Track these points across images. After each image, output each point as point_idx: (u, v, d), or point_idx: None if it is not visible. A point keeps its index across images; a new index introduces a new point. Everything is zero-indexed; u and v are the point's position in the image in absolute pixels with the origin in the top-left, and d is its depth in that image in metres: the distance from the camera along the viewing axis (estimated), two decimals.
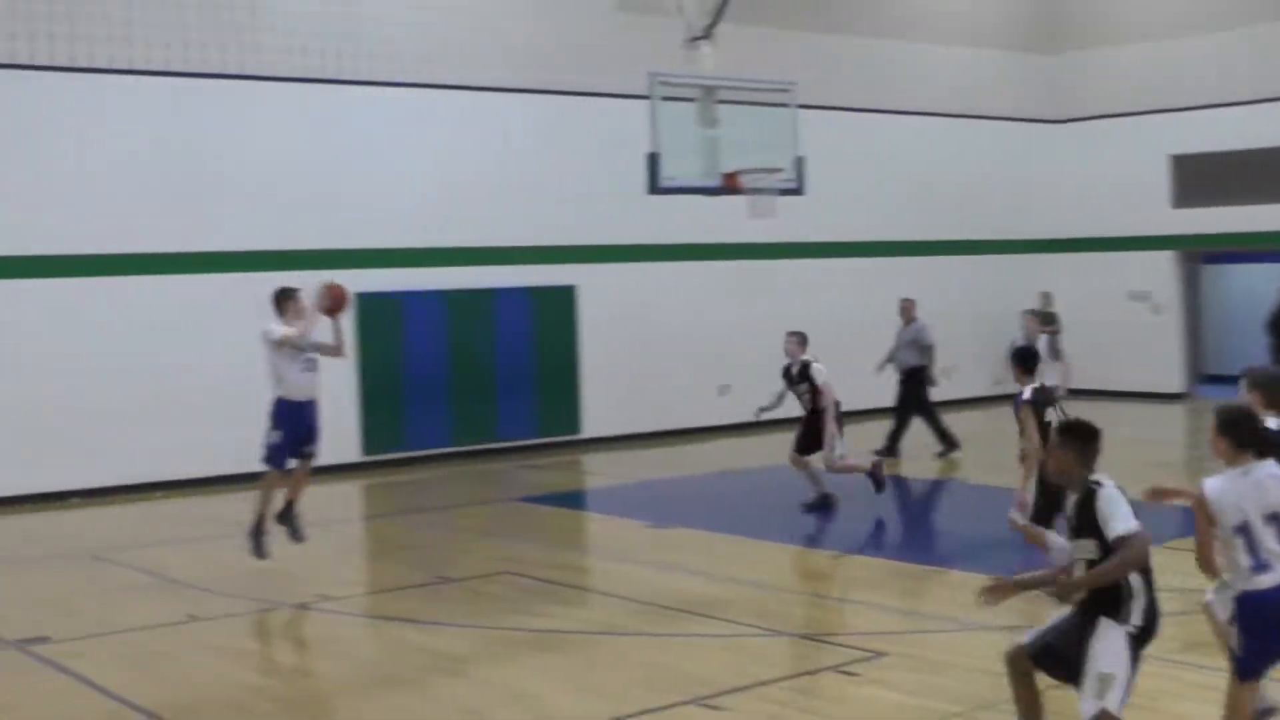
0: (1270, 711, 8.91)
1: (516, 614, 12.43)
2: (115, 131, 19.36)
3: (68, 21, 18.90)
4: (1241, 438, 7.48)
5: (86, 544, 16.15)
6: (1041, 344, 19.18)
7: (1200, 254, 29.75)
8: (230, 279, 20.08)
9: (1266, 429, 7.95)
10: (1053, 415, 12.13)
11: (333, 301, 13.76)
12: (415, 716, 9.59)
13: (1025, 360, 12.83)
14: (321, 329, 13.96)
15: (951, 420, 21.51)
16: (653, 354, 23.63)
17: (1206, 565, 7.64)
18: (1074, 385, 29.04)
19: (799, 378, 16.61)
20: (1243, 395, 8.82)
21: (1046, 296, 28.66)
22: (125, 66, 19.32)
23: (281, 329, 13.77)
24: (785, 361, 16.83)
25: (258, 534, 13.98)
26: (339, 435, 20.75)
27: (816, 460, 16.59)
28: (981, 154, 28.97)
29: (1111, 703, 7.33)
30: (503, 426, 22.65)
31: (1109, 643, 7.37)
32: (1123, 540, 7.34)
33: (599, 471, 21.25)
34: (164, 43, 19.59)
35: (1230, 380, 30.09)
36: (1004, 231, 29.40)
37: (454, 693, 10.07)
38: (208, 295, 19.94)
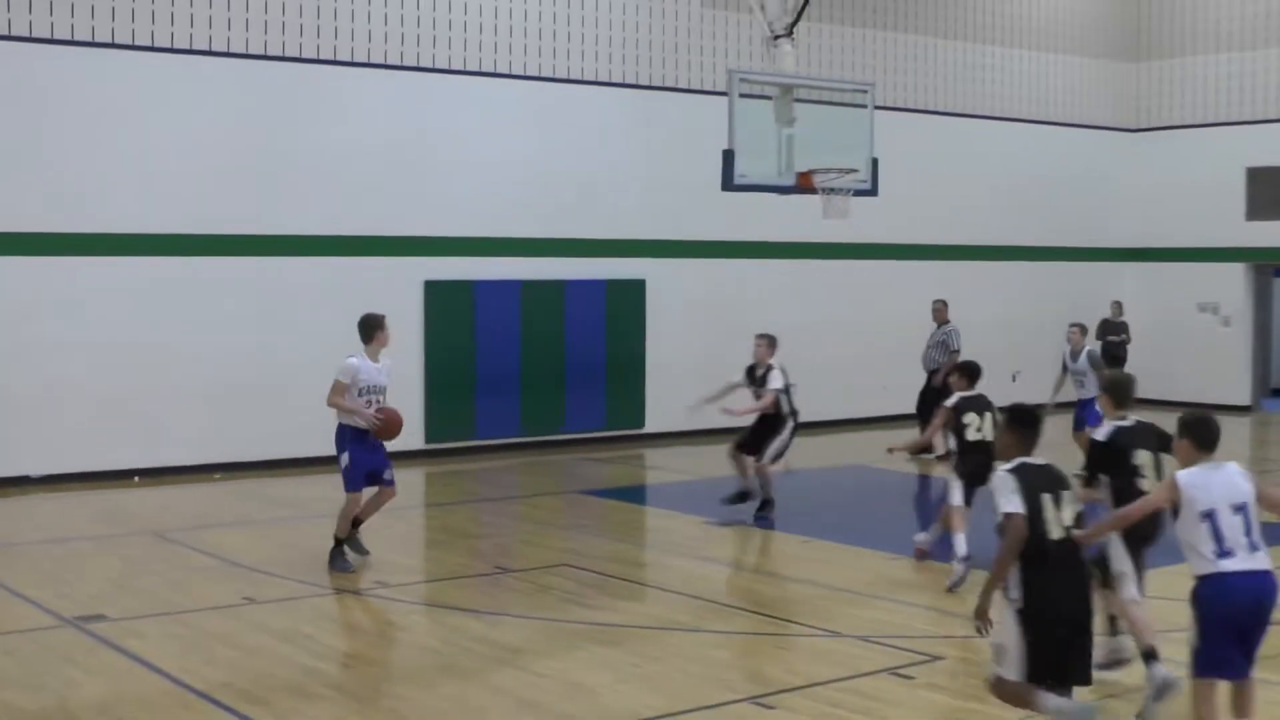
0: (1121, 662, 9.94)
1: (575, 606, 12.43)
2: (192, 114, 19.43)
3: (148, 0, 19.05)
4: (1201, 440, 8.11)
5: (148, 523, 16.26)
6: (1083, 356, 19.06)
7: (1272, 267, 29.47)
8: (303, 263, 20.22)
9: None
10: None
11: (385, 427, 13.71)
12: (472, 706, 9.60)
13: (966, 371, 13.95)
14: (382, 369, 13.86)
15: None
16: (719, 350, 23.52)
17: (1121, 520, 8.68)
18: (1137, 395, 28.85)
19: (760, 381, 16.57)
20: None
21: (1117, 305, 28.44)
22: (204, 48, 19.43)
23: (341, 375, 13.56)
24: (751, 362, 16.74)
25: (336, 553, 13.82)
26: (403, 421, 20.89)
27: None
28: (1057, 160, 28.77)
29: (1004, 670, 8.05)
30: (570, 418, 22.67)
31: (1000, 616, 8.07)
32: (1001, 522, 8.00)
33: (663, 466, 21.24)
34: (242, 23, 19.69)
35: None
36: (1078, 239, 29.21)
37: (511, 684, 10.07)
38: (279, 279, 20.06)
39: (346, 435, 13.70)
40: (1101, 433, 9.98)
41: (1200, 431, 8.13)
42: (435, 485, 19.65)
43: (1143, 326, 28.56)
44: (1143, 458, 9.73)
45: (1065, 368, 19.36)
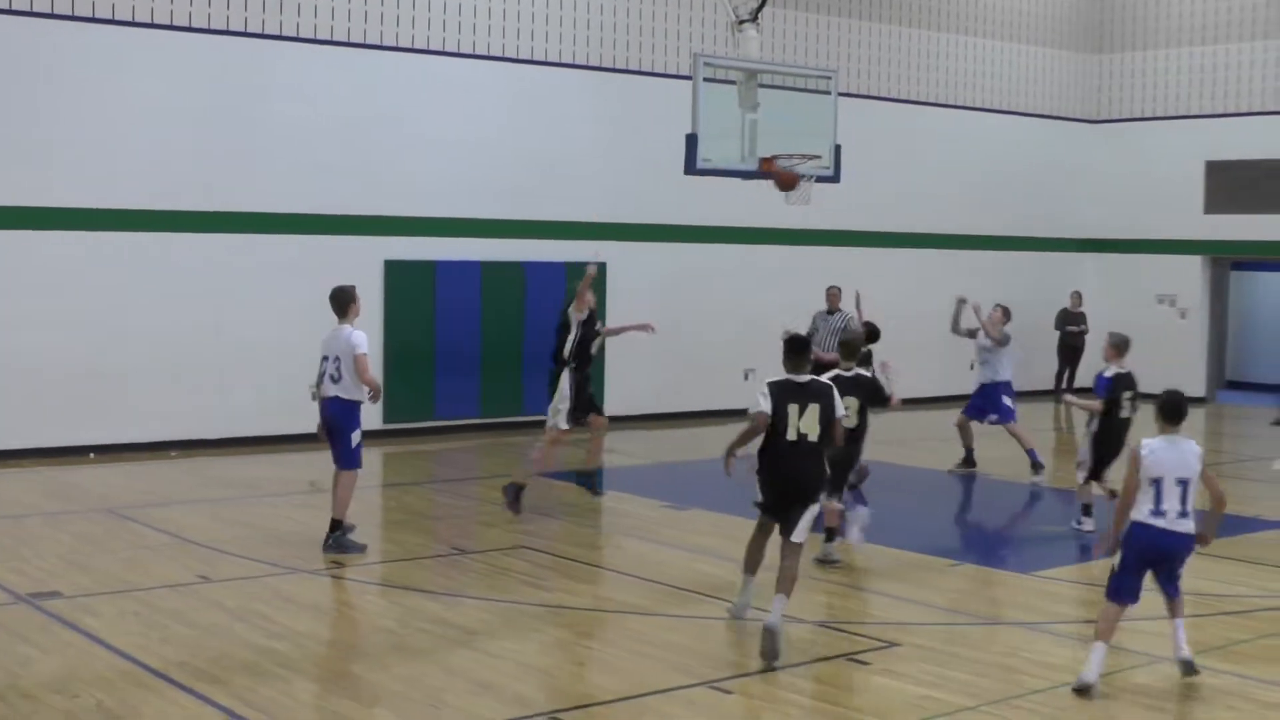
0: (832, 561, 12.19)
1: (532, 589, 12.43)
2: (152, 89, 19.31)
3: None
4: (1165, 414, 9.92)
5: (103, 500, 16.16)
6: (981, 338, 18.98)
7: (1229, 260, 29.66)
8: (263, 241, 20.14)
9: None
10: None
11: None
12: (427, 687, 9.59)
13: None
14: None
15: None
16: (679, 335, 23.55)
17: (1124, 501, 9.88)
18: (1085, 384, 29.07)
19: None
20: None
21: (1076, 296, 28.59)
22: (166, 22, 19.30)
23: (367, 349, 13.58)
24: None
25: (343, 538, 13.77)
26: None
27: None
28: (1018, 150, 28.89)
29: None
30: (529, 400, 22.63)
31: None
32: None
33: (621, 450, 21.21)
34: None
35: (1252, 387, 30.22)
36: (1038, 229, 29.34)
37: (466, 665, 10.06)
38: (238, 257, 19.96)
39: (358, 412, 13.63)
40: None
41: (1165, 407, 9.91)
42: (393, 466, 19.60)
43: (1101, 317, 28.72)
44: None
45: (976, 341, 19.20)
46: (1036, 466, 18.38)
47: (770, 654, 10.09)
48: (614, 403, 23.13)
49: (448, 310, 21.68)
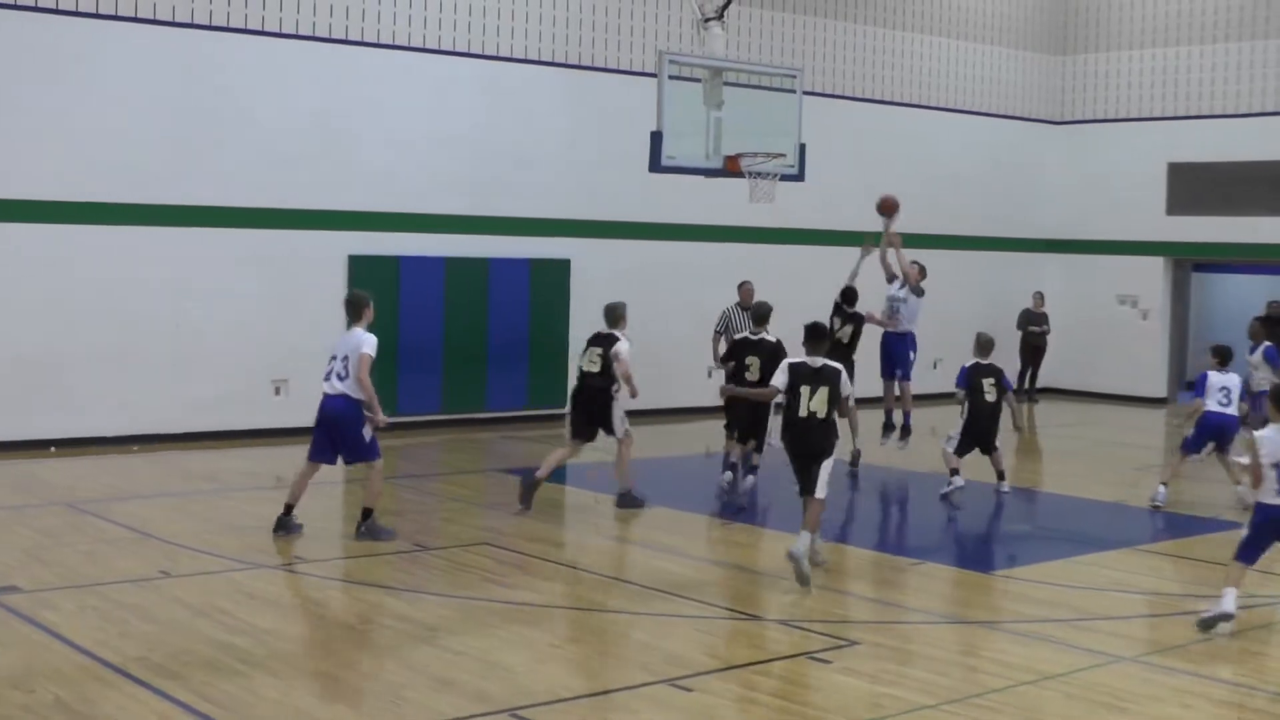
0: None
1: (494, 585, 12.42)
2: (114, 81, 19.21)
3: None
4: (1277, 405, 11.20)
5: (63, 494, 16.08)
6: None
7: (1190, 262, 29.84)
8: (227, 235, 20.04)
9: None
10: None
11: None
12: (388, 682, 9.57)
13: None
14: None
15: (938, 415, 21.45)
16: (643, 332, 23.49)
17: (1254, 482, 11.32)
18: (1055, 385, 29.22)
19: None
20: None
21: (1039, 296, 28.71)
22: (129, 14, 19.21)
23: (374, 352, 14.01)
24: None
25: (374, 524, 14.24)
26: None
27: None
28: (982, 150, 28.99)
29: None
30: (492, 396, 22.64)
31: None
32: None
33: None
34: None
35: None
36: (1001, 229, 29.44)
37: (428, 661, 10.05)
38: (201, 250, 19.86)
39: (362, 410, 13.99)
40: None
41: (1275, 398, 11.27)
42: None
43: (1063, 318, 28.92)
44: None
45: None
46: (904, 431, 19.43)
47: (800, 578, 12.19)
48: None
49: (411, 306, 21.64)
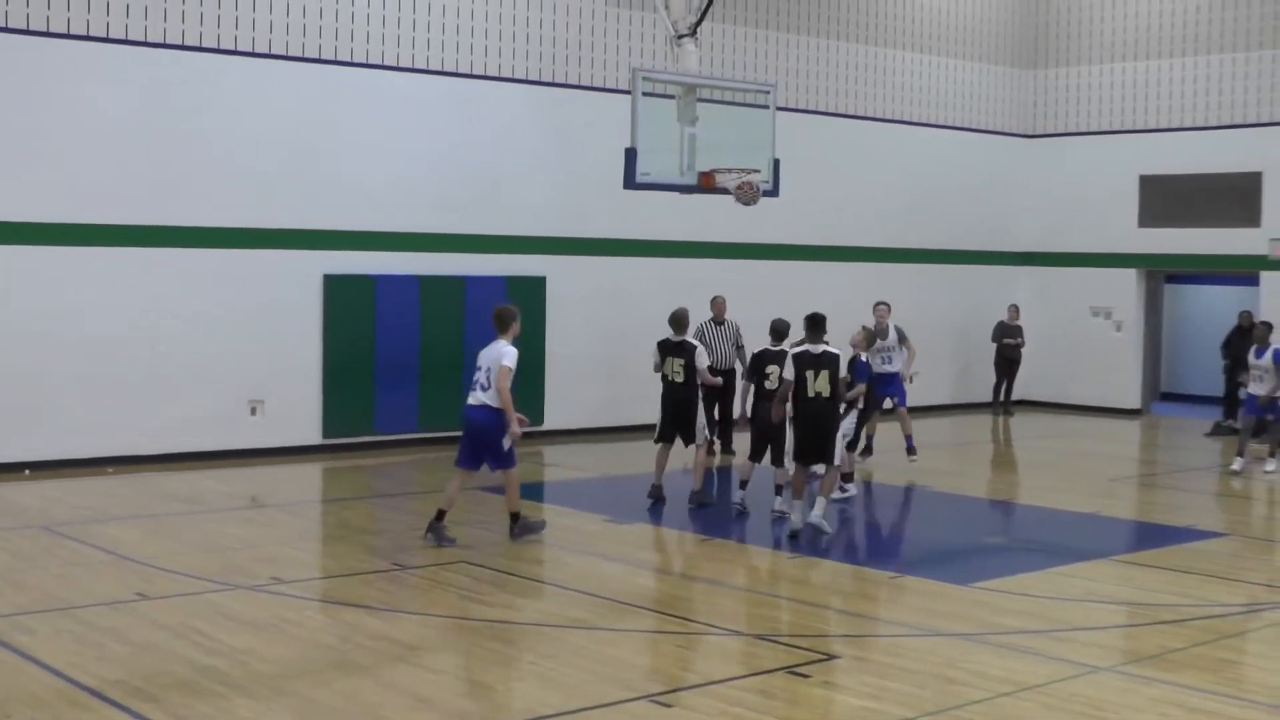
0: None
1: (472, 603, 12.41)
2: (89, 101, 19.13)
3: None
4: None
5: (37, 517, 15.99)
6: (891, 331, 20.37)
7: (1163, 274, 29.97)
8: (202, 254, 19.98)
9: None
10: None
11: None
12: (367, 703, 9.55)
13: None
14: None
15: (920, 427, 21.49)
16: (620, 349, 23.57)
17: None
18: (1029, 397, 29.32)
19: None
20: None
21: (1014, 309, 28.79)
22: (102, 35, 19.16)
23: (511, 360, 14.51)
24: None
25: (526, 524, 15.05)
26: (301, 416, 20.73)
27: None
28: (955, 164, 29.06)
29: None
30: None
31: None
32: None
33: (561, 464, 21.22)
34: (142, 10, 19.41)
35: (1185, 399, 30.56)
36: (975, 243, 29.53)
37: (407, 680, 10.03)
38: (177, 270, 19.80)
39: (503, 420, 14.47)
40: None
41: None
42: (332, 480, 19.53)
43: (1038, 330, 29.03)
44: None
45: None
46: (909, 450, 20.19)
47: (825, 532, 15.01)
48: (554, 416, 23.19)
49: (387, 324, 21.60)
